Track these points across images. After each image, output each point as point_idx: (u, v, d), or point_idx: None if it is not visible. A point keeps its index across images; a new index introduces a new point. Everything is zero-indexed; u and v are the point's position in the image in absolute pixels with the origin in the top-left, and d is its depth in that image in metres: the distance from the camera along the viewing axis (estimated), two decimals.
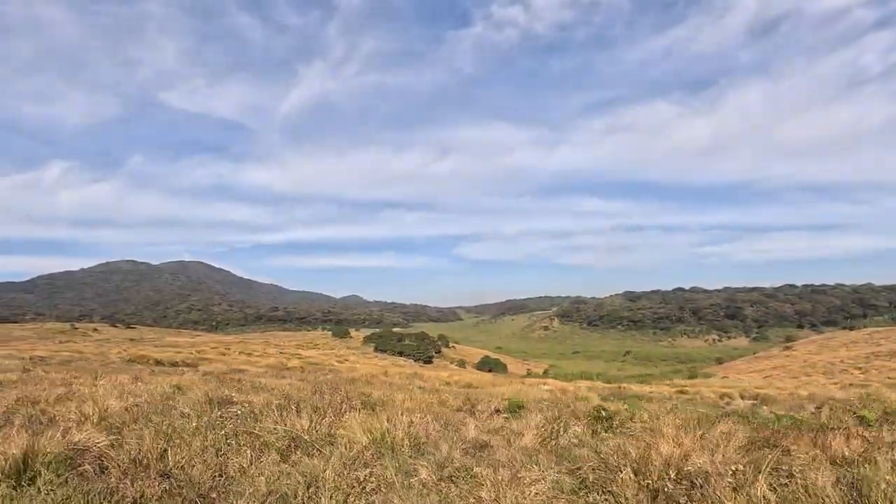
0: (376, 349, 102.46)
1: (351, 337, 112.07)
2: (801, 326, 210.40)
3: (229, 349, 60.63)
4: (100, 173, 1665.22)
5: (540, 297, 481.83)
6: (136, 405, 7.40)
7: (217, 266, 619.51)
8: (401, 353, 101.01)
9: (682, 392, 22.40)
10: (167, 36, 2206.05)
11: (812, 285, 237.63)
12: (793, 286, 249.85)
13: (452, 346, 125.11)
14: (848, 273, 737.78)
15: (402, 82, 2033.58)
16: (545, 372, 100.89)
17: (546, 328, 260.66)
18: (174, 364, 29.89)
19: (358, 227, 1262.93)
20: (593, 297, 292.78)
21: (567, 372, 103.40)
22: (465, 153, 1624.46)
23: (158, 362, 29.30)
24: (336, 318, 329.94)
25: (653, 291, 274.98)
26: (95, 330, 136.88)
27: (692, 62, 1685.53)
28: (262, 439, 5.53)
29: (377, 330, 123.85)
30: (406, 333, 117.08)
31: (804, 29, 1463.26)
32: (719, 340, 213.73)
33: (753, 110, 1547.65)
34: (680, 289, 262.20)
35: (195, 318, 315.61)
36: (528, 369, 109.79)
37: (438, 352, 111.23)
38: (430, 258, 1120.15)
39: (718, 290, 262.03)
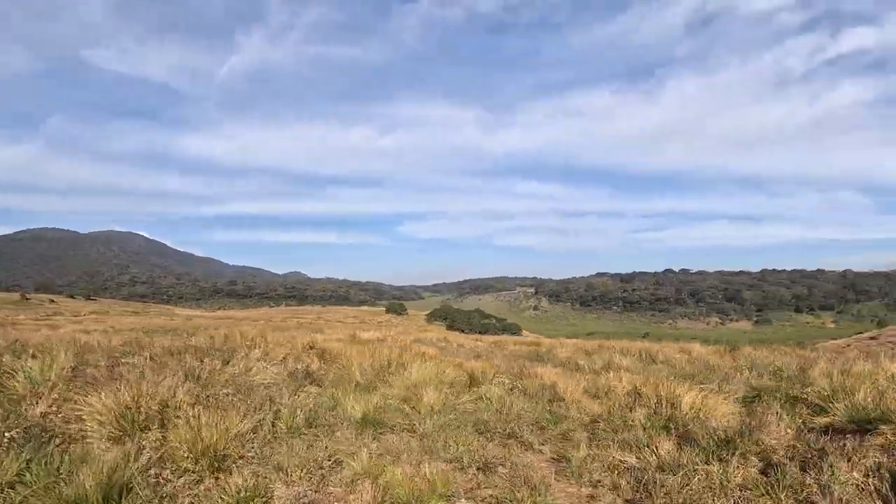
0: (450, 327, 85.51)
1: (409, 314, 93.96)
2: (798, 310, 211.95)
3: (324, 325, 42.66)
4: (11, 133, 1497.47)
5: (498, 276, 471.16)
6: None
7: (149, 237, 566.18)
8: (483, 332, 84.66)
9: None
10: None
11: (801, 270, 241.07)
12: (777, 271, 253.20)
13: None
14: (753, 261, 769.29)
15: (348, 54, 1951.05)
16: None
17: (535, 308, 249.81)
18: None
19: (300, 202, 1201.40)
20: (579, 277, 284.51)
21: None
22: (410, 130, 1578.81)
23: None
24: (299, 293, 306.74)
25: (640, 273, 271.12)
26: (52, 301, 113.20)
27: (634, 51, 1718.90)
28: None
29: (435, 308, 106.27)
30: (464, 311, 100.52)
31: (737, 26, 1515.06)
32: (721, 324, 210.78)
33: (689, 103, 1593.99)
34: (670, 270, 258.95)
35: (141, 292, 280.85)
36: None
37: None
38: (373, 236, 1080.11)
39: (711, 273, 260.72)
